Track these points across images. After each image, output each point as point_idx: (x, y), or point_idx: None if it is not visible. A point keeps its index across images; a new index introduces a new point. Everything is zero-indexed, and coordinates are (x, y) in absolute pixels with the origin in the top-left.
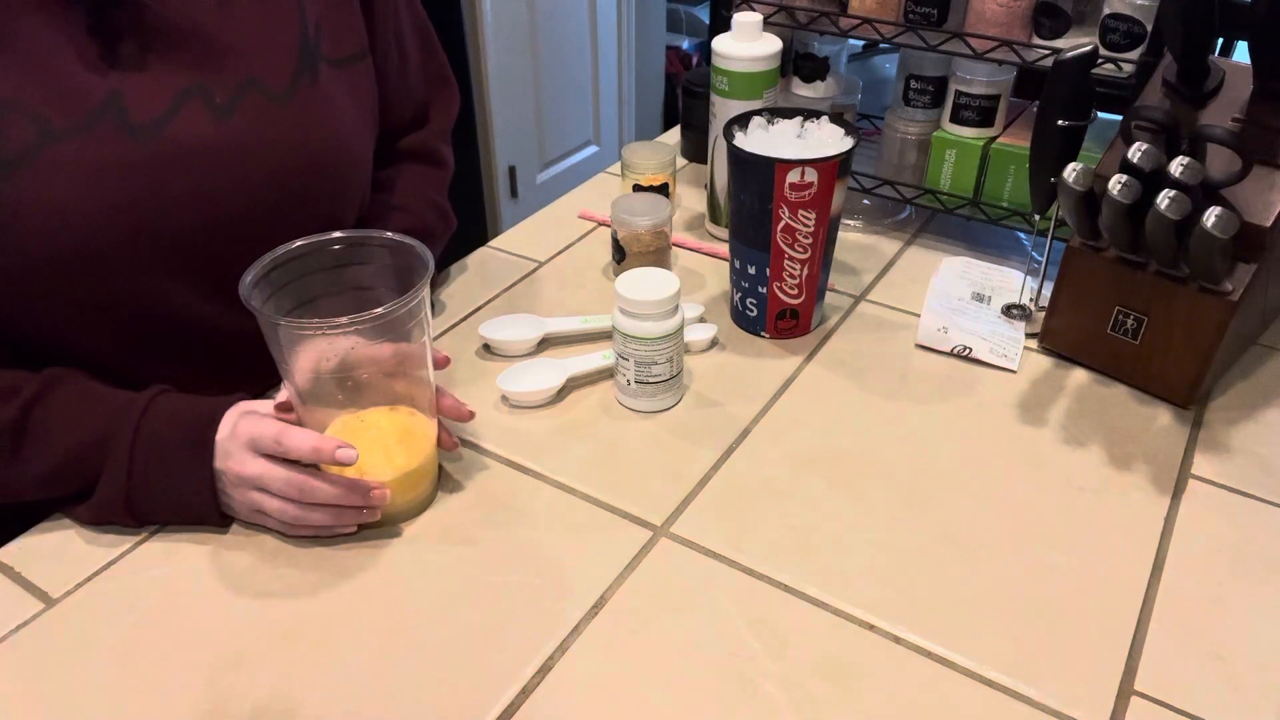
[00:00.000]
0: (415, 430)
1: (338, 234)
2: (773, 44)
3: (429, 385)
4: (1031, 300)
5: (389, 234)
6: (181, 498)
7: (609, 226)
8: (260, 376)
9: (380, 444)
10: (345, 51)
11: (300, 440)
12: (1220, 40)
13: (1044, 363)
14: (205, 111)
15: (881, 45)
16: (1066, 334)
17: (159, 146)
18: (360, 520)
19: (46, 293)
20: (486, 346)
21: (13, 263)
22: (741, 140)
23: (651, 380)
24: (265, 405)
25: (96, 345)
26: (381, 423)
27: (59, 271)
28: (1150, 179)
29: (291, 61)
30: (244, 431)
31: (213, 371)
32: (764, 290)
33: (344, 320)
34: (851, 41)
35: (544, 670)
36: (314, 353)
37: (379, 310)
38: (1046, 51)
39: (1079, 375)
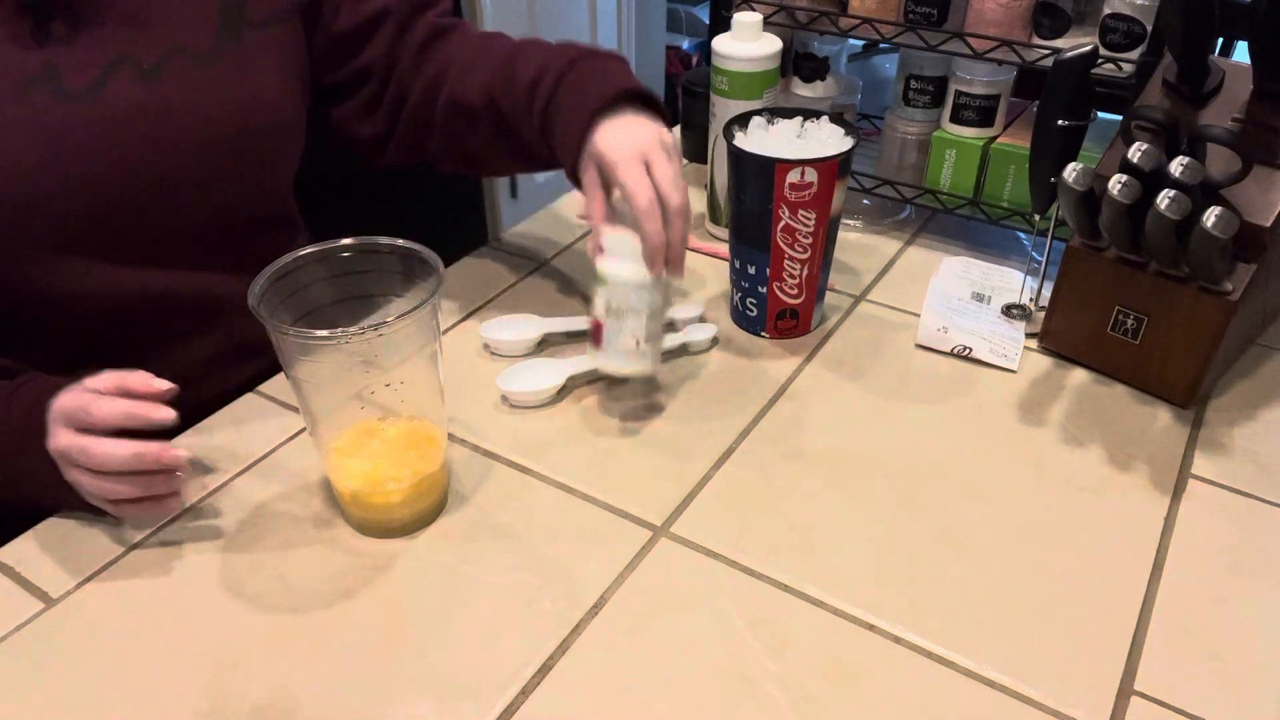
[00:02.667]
0: (426, 439)
1: (347, 240)
2: (773, 44)
3: (439, 394)
4: (1031, 300)
5: (399, 241)
6: (37, 487)
7: None
8: (209, 350)
9: (392, 453)
10: (272, 11)
11: (109, 407)
12: (1220, 40)
13: (1044, 363)
14: (134, 77)
15: (881, 45)
16: (1066, 334)
17: (92, 111)
18: (171, 488)
19: None
20: (486, 346)
21: None
22: (741, 140)
23: (641, 337)
24: (103, 380)
25: (38, 325)
26: (392, 433)
27: (3, 232)
28: (1150, 179)
29: (213, 23)
30: (58, 407)
31: (155, 344)
32: (764, 290)
33: (354, 329)
34: (851, 41)
35: (544, 670)
36: None
37: (390, 319)
38: (1046, 51)
39: (1079, 375)
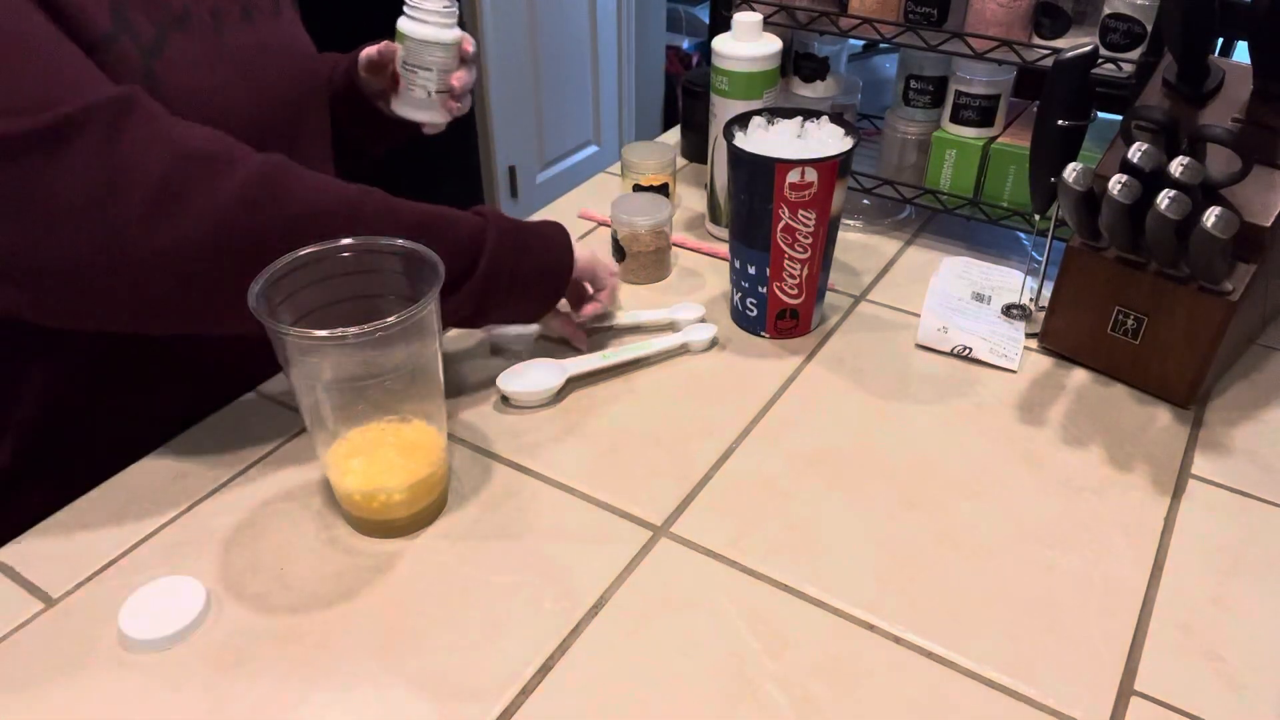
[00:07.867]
0: (425, 441)
1: (347, 241)
2: (773, 44)
3: (439, 394)
4: (1031, 300)
5: (399, 241)
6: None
7: (609, 226)
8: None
9: (392, 453)
10: None
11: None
12: (1220, 40)
13: (1044, 363)
14: (239, 19)
15: (881, 45)
16: (1066, 334)
17: (236, 40)
18: None
19: None
20: (487, 347)
21: None
22: (741, 140)
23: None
24: None
25: None
26: (391, 435)
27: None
28: (1150, 179)
29: None
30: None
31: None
32: (764, 290)
33: (353, 330)
34: (851, 41)
35: (544, 670)
36: None
37: (390, 319)
38: (1046, 51)
39: (1079, 375)
